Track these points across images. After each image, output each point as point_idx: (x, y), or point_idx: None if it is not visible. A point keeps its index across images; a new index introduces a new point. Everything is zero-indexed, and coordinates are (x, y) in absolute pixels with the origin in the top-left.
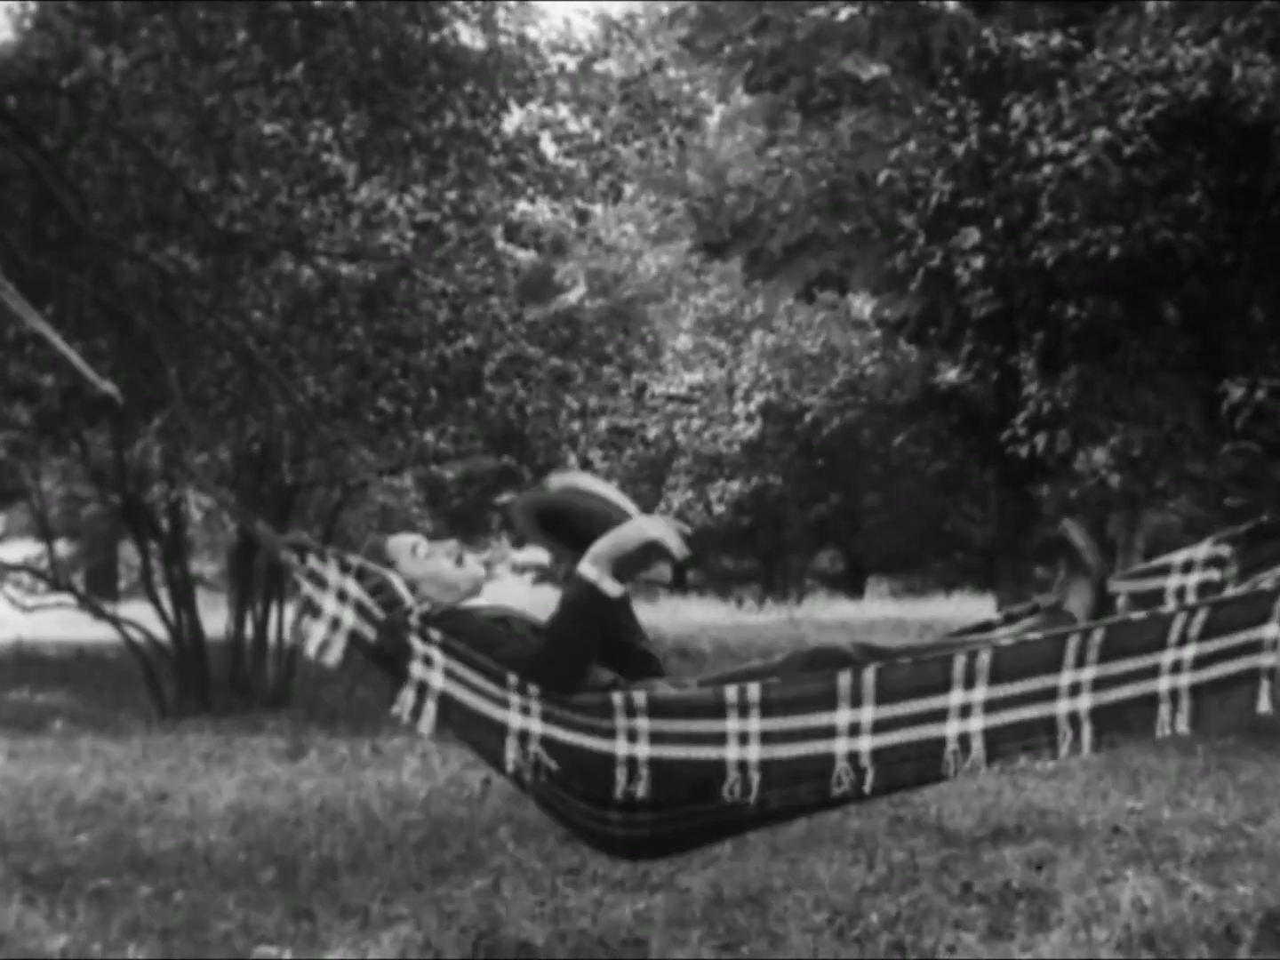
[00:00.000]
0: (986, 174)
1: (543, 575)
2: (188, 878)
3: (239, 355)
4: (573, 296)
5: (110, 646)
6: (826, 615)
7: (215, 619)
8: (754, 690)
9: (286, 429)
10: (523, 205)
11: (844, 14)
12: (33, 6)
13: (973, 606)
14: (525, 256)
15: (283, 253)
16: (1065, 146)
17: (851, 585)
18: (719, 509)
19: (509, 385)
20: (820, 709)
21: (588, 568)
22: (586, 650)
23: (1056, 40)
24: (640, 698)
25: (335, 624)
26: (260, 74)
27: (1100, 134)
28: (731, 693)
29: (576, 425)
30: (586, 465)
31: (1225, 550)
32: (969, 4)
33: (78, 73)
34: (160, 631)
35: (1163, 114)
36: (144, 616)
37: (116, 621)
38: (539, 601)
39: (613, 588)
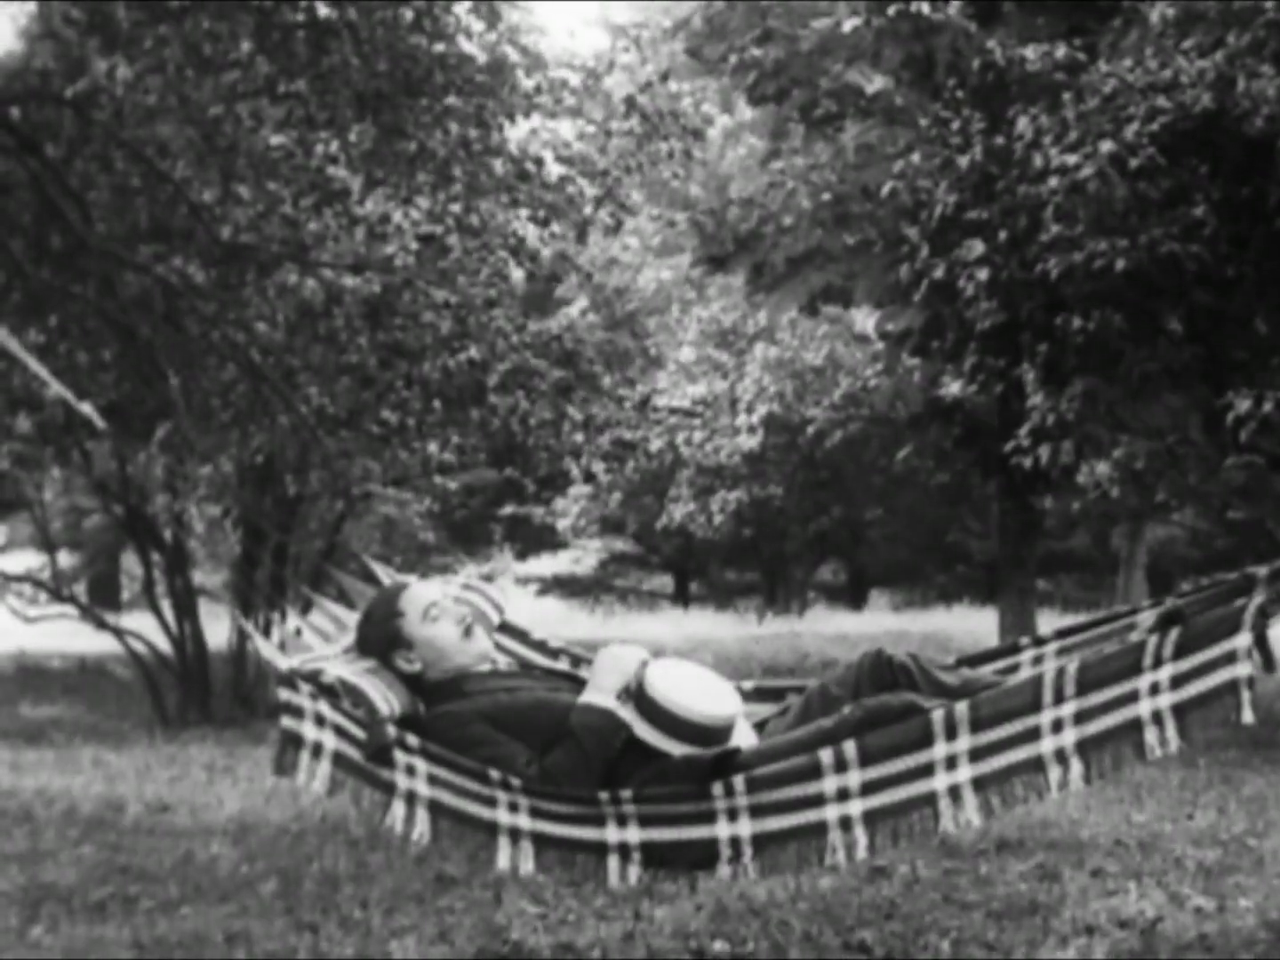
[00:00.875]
0: (991, 186)
1: (545, 587)
2: (189, 890)
3: (242, 366)
4: (574, 310)
5: (112, 657)
6: (828, 627)
7: (218, 630)
8: (850, 747)
9: (290, 440)
10: (524, 224)
11: (848, 25)
12: (32, 8)
13: (974, 619)
14: (522, 274)
15: (287, 264)
16: (1070, 159)
17: (853, 597)
18: (720, 521)
19: (512, 397)
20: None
21: (601, 698)
22: (602, 767)
23: (1061, 52)
24: (739, 779)
25: (317, 750)
26: (265, 85)
27: (1105, 146)
28: (827, 755)
29: (579, 437)
30: (590, 477)
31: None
32: (973, 15)
33: (82, 83)
34: (162, 643)
35: (1167, 126)
36: (146, 627)
37: (119, 632)
38: (541, 615)
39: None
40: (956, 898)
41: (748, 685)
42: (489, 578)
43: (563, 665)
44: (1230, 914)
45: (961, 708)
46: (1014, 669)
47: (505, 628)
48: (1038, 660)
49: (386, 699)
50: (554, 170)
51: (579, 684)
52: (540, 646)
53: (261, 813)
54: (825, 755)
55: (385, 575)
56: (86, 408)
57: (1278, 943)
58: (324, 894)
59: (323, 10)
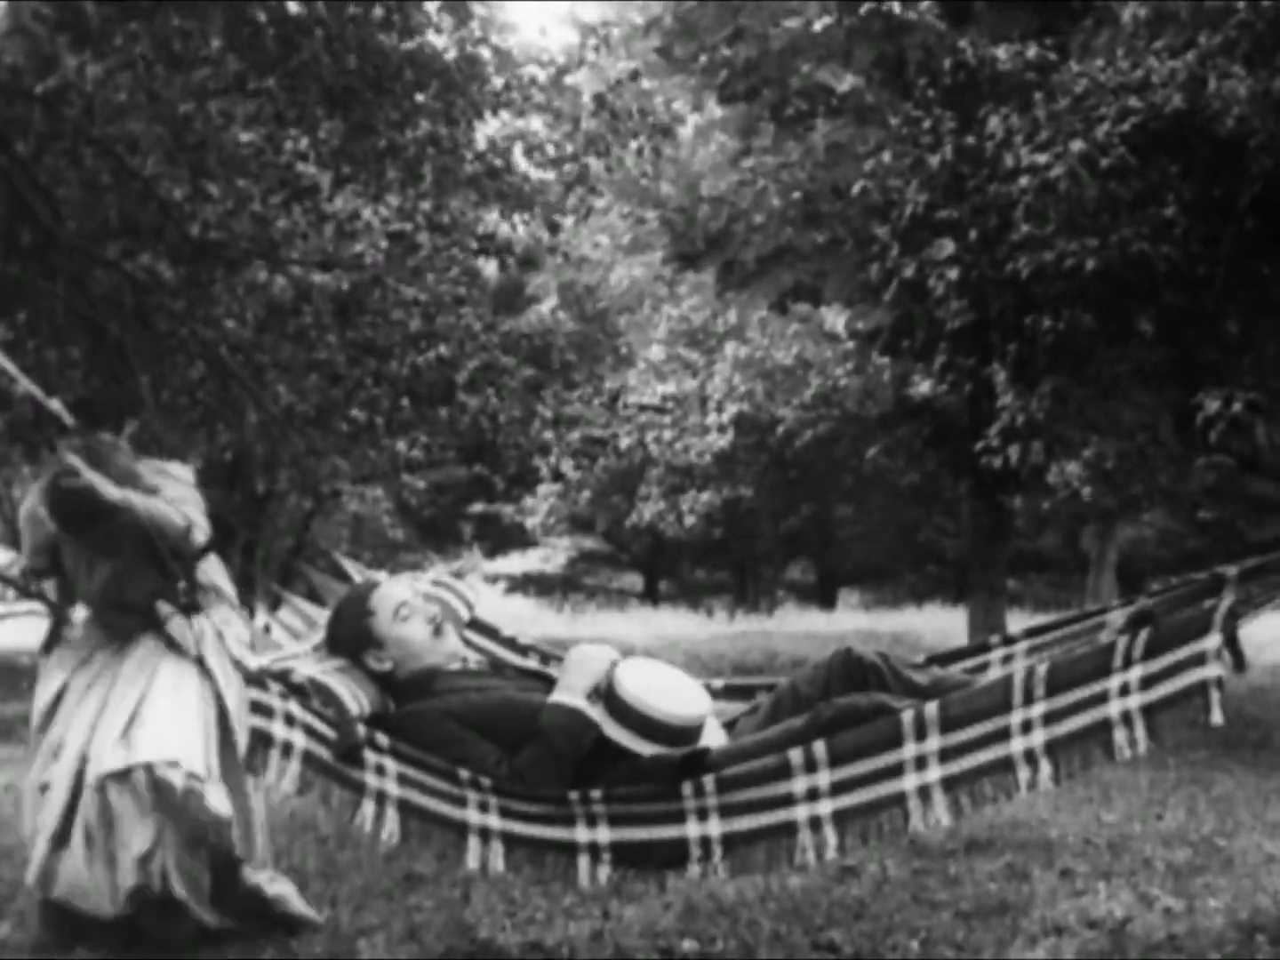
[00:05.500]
0: (961, 185)
1: (514, 585)
2: None
3: (211, 364)
4: (545, 308)
5: None
6: (798, 627)
7: None
8: (820, 747)
9: (258, 438)
10: (494, 217)
11: (819, 24)
12: (2, 5)
13: (944, 618)
14: (494, 269)
15: (256, 261)
16: (1041, 158)
17: (823, 597)
18: (690, 520)
19: (481, 394)
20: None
21: (571, 697)
22: (572, 766)
23: (1032, 51)
24: (708, 780)
25: (287, 749)
26: (235, 82)
27: (1076, 146)
28: (796, 755)
29: (549, 435)
30: (559, 475)
31: (1231, 571)
32: (944, 15)
33: (52, 79)
34: None
35: (1138, 126)
36: None
37: None
38: (510, 613)
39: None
40: (925, 897)
41: (718, 683)
42: (459, 575)
43: (532, 662)
44: (1199, 914)
45: (931, 708)
46: (984, 668)
47: (475, 624)
48: (1007, 659)
49: (356, 698)
50: (522, 163)
51: (549, 683)
52: (510, 643)
53: None
54: (795, 755)
55: (356, 572)
56: (55, 404)
57: (1247, 943)
58: None
59: (293, 7)
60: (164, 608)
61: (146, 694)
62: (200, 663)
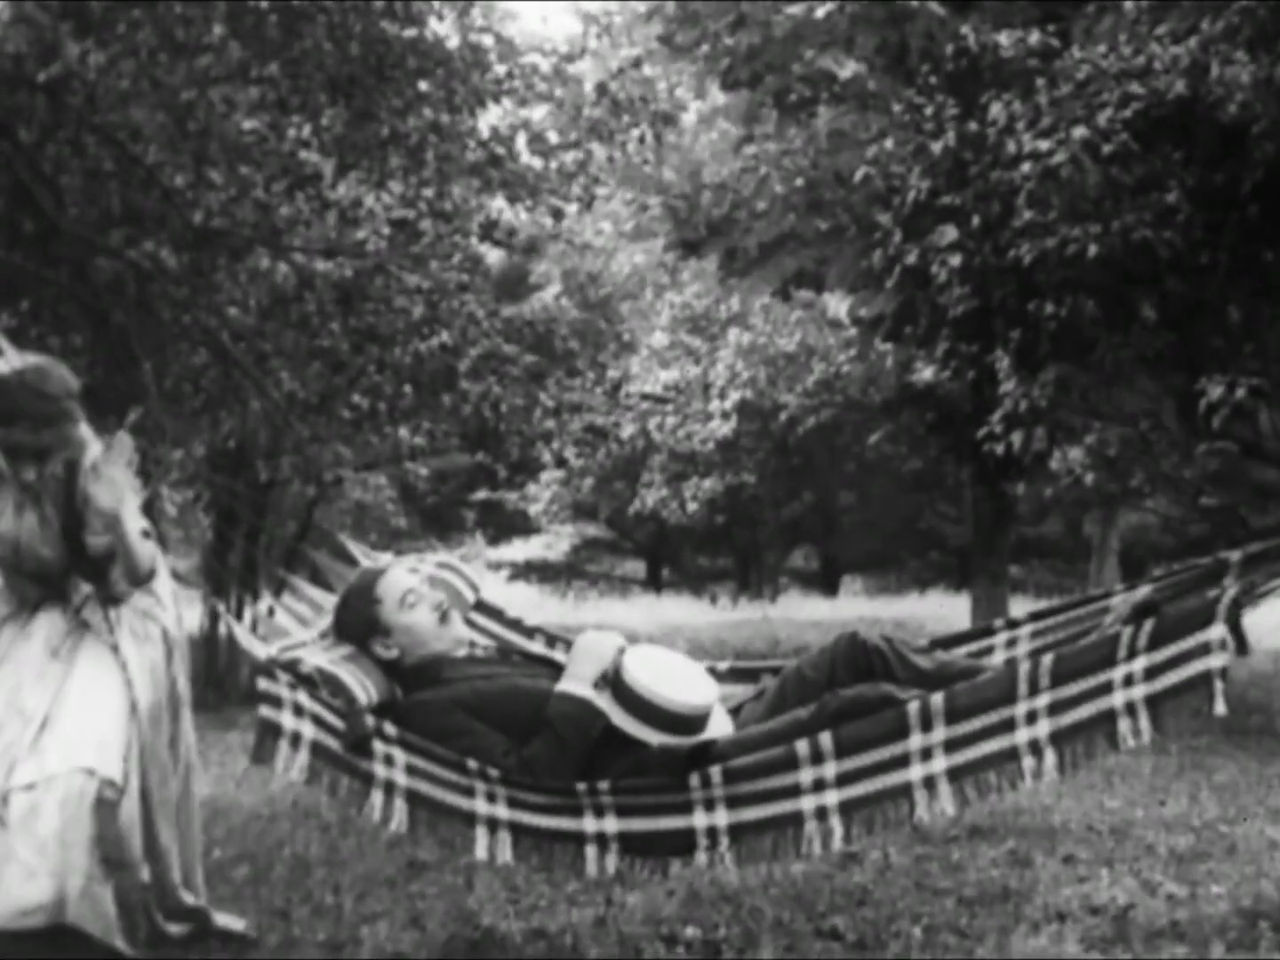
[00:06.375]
0: (964, 172)
1: (517, 572)
2: None
3: (214, 351)
4: (548, 295)
5: None
6: (800, 614)
7: (189, 614)
8: (826, 739)
9: (261, 425)
10: (498, 204)
11: (821, 11)
12: None
13: (947, 605)
14: (498, 256)
15: (259, 249)
16: (1043, 144)
17: (826, 583)
18: (693, 507)
19: (484, 382)
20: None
21: (579, 686)
22: (580, 756)
23: (1035, 38)
24: (715, 770)
25: (296, 740)
26: (238, 69)
27: (1078, 132)
28: (803, 746)
29: (551, 423)
30: (562, 463)
31: (1235, 556)
32: (947, 1)
33: (54, 67)
34: None
35: (1141, 112)
36: None
37: None
38: (513, 601)
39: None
40: (928, 884)
41: (722, 666)
42: (462, 559)
43: (538, 645)
44: (1202, 900)
45: (937, 699)
46: (988, 651)
47: (481, 607)
48: (1011, 643)
49: (365, 688)
50: (525, 151)
51: (557, 670)
52: (515, 625)
53: (233, 798)
54: (801, 746)
55: (361, 555)
56: None
57: (1250, 929)
58: (295, 879)
59: None
60: (79, 586)
61: (63, 688)
62: (115, 650)
